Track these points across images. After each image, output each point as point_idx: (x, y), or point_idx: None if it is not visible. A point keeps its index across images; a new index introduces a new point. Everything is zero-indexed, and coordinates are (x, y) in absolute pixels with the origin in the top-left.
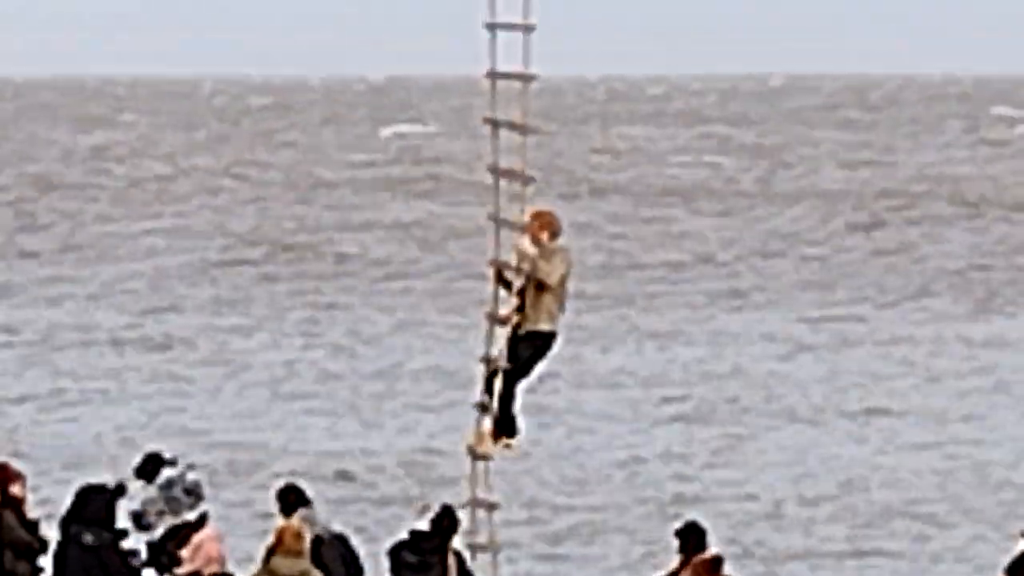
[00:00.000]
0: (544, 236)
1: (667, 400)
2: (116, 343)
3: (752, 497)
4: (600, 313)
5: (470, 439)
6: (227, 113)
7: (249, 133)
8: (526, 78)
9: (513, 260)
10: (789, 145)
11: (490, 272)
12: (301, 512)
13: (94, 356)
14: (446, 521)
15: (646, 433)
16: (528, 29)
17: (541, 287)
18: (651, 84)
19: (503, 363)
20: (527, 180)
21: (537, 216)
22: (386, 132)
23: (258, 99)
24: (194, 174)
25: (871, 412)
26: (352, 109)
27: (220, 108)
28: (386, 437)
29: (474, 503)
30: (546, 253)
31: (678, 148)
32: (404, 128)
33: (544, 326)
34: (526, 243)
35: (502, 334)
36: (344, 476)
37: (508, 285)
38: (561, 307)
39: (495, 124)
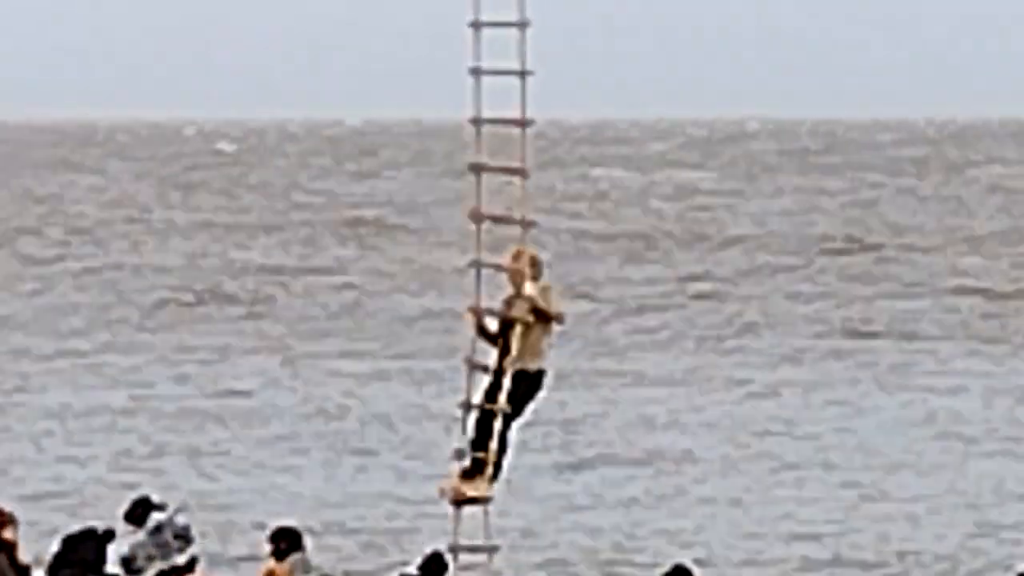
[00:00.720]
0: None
1: (604, 443)
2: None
3: (688, 545)
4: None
5: (449, 485)
6: (202, 155)
7: (221, 176)
8: (518, 123)
9: (517, 308)
10: (744, 190)
11: (469, 318)
12: (293, 557)
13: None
14: (434, 566)
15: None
16: (524, 74)
17: (545, 322)
18: (632, 128)
19: (503, 406)
20: (528, 225)
21: (524, 256)
22: (358, 173)
23: (231, 144)
24: (159, 220)
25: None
26: (326, 152)
27: (196, 151)
28: (371, 483)
29: (456, 548)
30: (539, 290)
31: (641, 191)
32: (378, 172)
33: (534, 365)
34: (530, 288)
35: (483, 380)
36: (329, 522)
37: (488, 335)
38: (550, 344)
39: (480, 170)
